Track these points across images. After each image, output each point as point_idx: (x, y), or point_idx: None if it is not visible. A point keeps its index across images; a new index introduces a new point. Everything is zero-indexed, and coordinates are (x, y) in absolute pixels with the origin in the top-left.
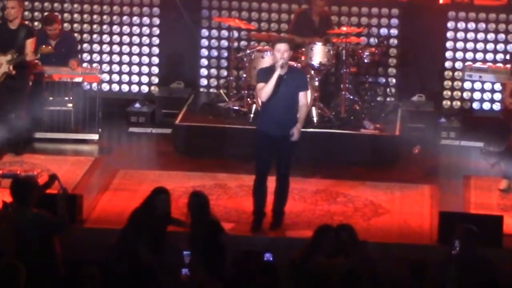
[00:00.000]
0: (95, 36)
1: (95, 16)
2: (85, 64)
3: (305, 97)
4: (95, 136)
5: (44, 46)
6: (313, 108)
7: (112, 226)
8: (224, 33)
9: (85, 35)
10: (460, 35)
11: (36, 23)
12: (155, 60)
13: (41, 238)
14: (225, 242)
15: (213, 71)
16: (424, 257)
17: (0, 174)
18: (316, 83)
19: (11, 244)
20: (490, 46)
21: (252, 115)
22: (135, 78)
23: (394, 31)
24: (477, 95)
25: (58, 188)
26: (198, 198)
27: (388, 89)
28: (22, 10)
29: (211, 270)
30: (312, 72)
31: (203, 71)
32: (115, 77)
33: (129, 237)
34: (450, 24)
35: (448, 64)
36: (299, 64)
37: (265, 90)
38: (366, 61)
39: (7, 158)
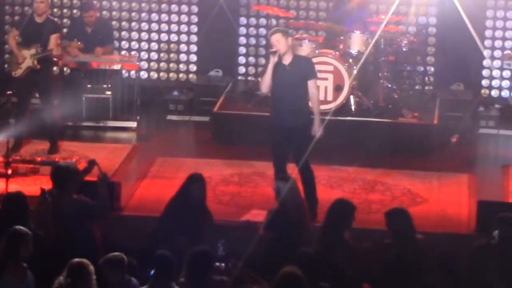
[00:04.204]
0: (133, 23)
1: (133, 4)
2: (123, 52)
3: (314, 87)
4: (133, 124)
5: (73, 42)
6: (351, 97)
7: (150, 214)
8: (263, 21)
9: (123, 23)
10: (499, 23)
11: (75, 11)
12: (194, 48)
13: (81, 223)
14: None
15: (251, 59)
16: (458, 247)
17: (39, 161)
18: (354, 72)
19: (51, 230)
20: None
21: None
22: (173, 66)
23: (432, 20)
24: None
25: (98, 174)
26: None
27: (426, 78)
28: (49, 4)
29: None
30: (350, 60)
31: (241, 59)
32: (154, 65)
33: (165, 226)
34: (489, 13)
35: (486, 53)
36: (337, 53)
37: (261, 81)
38: (404, 49)
39: (43, 145)
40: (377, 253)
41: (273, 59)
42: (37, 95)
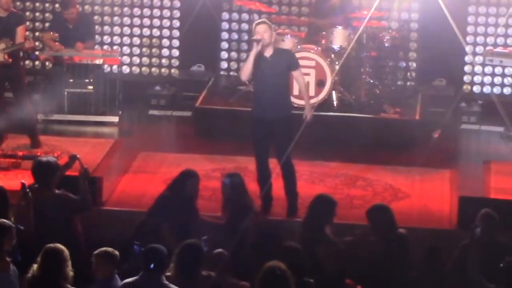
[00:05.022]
0: (115, 18)
1: None
2: (105, 47)
3: (299, 76)
4: (115, 119)
5: (46, 32)
6: (333, 92)
7: (132, 208)
8: (245, 16)
9: (105, 17)
10: (481, 19)
11: (57, 5)
12: (176, 42)
13: (63, 218)
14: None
15: (234, 54)
16: (440, 242)
17: (20, 155)
18: (337, 67)
19: (31, 224)
20: (511, 30)
21: None
22: (155, 61)
23: (414, 15)
24: (497, 80)
25: (79, 169)
26: (233, 180)
27: (408, 73)
28: None
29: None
30: (333, 55)
31: (224, 54)
32: (136, 60)
33: (154, 219)
34: (471, 9)
35: (468, 48)
36: (319, 48)
37: (242, 69)
38: (386, 45)
39: (24, 140)
40: (359, 247)
41: (257, 48)
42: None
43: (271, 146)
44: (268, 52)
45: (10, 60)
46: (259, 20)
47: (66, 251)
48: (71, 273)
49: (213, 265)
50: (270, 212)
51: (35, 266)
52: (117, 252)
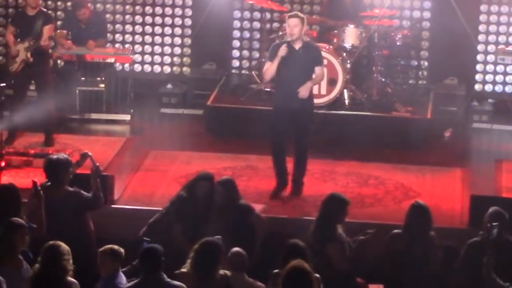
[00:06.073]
0: (127, 16)
1: None
2: (117, 45)
3: (321, 70)
4: (127, 117)
5: (59, 31)
6: (345, 91)
7: (143, 206)
8: (257, 14)
9: (117, 16)
10: (493, 18)
11: (69, 3)
12: (188, 41)
13: (75, 215)
14: (255, 223)
15: (245, 53)
16: (451, 241)
17: (32, 153)
18: (348, 66)
19: (42, 222)
20: None
21: None
22: (167, 59)
23: (426, 14)
24: (509, 79)
25: (91, 167)
26: (226, 185)
27: (420, 72)
28: None
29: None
30: (344, 54)
31: (235, 53)
32: (147, 58)
33: (167, 217)
34: (483, 7)
35: (480, 47)
36: (331, 46)
37: (268, 72)
38: (398, 43)
39: (36, 138)
40: (372, 246)
41: (283, 51)
42: (33, 87)
43: (289, 134)
44: (298, 45)
45: (32, 59)
46: (292, 13)
47: (65, 246)
48: (71, 267)
49: (228, 264)
50: (280, 196)
51: (36, 265)
52: (122, 250)
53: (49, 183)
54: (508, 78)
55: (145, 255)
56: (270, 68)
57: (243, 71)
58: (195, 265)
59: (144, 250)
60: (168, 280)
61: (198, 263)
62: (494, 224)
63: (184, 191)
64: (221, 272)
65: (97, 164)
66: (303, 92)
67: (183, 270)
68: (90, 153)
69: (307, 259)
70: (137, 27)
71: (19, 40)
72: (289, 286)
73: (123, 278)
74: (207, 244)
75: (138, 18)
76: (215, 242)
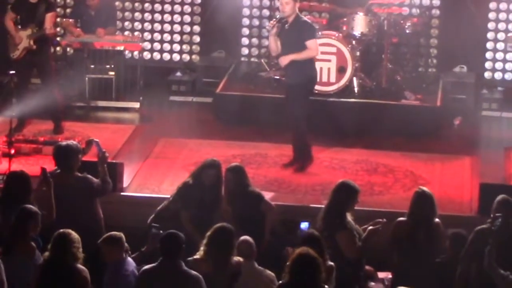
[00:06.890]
0: (137, 4)
1: None
2: (126, 33)
3: (310, 44)
4: (136, 105)
5: (65, 19)
6: (354, 78)
7: (152, 194)
8: (266, 2)
9: (127, 3)
10: (503, 6)
11: None
12: (197, 29)
13: (84, 201)
14: (265, 210)
15: (255, 41)
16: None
17: (41, 141)
18: (358, 53)
19: (51, 209)
20: None
21: None
22: (176, 47)
23: (436, 2)
24: None
25: (97, 154)
26: (235, 172)
27: (429, 60)
28: None
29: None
30: (354, 42)
31: (245, 40)
32: (157, 46)
33: (174, 204)
34: None
35: (490, 35)
36: (340, 34)
37: (269, 48)
38: (407, 31)
39: (46, 126)
40: (382, 233)
41: (276, 27)
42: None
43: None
44: (289, 21)
45: (35, 46)
46: None
47: (75, 234)
48: (80, 255)
49: (239, 252)
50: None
51: (46, 253)
52: (122, 235)
53: (58, 171)
54: None
55: (166, 240)
56: (269, 45)
57: (252, 59)
58: (210, 251)
59: (165, 235)
60: (186, 269)
61: (212, 249)
62: (497, 214)
63: (191, 179)
64: (235, 258)
65: (104, 150)
66: (280, 60)
67: (196, 256)
68: (96, 140)
69: (323, 249)
70: (146, 14)
71: (20, 27)
72: (296, 273)
73: (130, 265)
74: (221, 230)
75: (148, 6)
76: (229, 227)
